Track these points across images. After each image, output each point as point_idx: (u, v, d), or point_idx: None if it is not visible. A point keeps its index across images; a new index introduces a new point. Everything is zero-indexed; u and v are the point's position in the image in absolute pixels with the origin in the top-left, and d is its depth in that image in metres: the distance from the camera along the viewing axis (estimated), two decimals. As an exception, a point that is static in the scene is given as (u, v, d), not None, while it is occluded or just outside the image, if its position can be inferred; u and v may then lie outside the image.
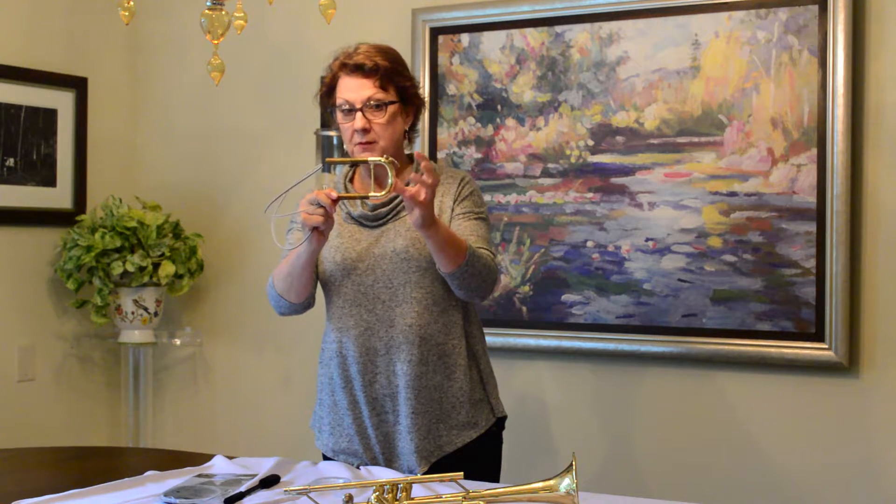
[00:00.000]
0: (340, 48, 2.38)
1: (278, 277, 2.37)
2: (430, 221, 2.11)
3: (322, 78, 2.39)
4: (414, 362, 2.31)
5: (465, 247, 2.20)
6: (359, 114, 2.28)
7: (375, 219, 2.36)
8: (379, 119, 2.29)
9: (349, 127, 2.31)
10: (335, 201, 2.19)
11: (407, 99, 2.36)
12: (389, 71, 2.31)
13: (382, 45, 2.39)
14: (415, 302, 2.31)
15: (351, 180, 2.44)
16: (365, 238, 2.36)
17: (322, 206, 2.18)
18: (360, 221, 2.38)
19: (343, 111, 2.31)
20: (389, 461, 2.36)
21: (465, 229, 2.32)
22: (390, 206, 2.35)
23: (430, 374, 2.33)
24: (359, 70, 2.30)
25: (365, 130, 2.28)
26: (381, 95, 2.29)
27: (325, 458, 2.45)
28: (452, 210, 2.35)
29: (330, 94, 2.36)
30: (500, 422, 2.47)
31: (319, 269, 2.40)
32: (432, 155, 3.44)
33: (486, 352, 2.47)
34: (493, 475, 2.44)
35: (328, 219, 2.19)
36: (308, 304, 2.42)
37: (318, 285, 2.43)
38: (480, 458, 2.39)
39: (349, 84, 2.30)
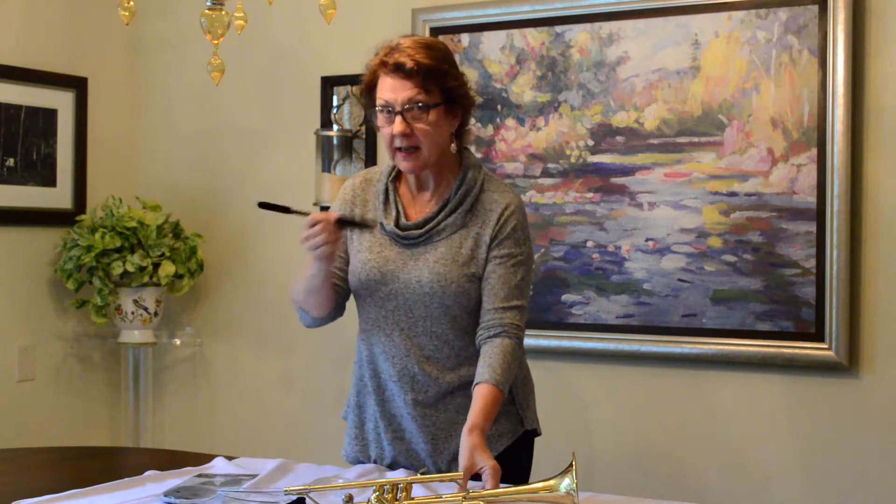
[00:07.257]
0: (383, 42, 2.19)
1: (296, 291, 2.26)
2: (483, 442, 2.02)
3: (361, 75, 2.21)
4: (431, 394, 2.21)
5: (500, 395, 2.10)
6: (398, 117, 2.10)
7: (406, 238, 2.21)
8: (421, 123, 2.11)
9: (389, 131, 2.13)
10: (337, 223, 2.09)
11: (454, 99, 2.16)
12: (433, 70, 2.11)
13: (427, 40, 2.19)
14: (434, 336, 2.20)
15: (395, 180, 2.28)
16: (394, 258, 2.21)
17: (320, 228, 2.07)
18: (392, 236, 2.23)
19: (383, 113, 2.14)
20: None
21: (497, 280, 2.17)
22: (424, 229, 2.20)
23: (447, 398, 2.22)
24: (399, 70, 2.10)
25: (405, 135, 2.11)
26: (423, 97, 2.10)
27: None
28: (489, 247, 2.19)
29: (370, 92, 2.17)
30: (529, 434, 2.31)
31: (349, 278, 2.29)
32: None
33: (521, 361, 2.28)
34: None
35: (330, 243, 2.09)
36: (333, 316, 2.31)
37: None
38: (506, 470, 2.09)
39: (389, 84, 2.11)
